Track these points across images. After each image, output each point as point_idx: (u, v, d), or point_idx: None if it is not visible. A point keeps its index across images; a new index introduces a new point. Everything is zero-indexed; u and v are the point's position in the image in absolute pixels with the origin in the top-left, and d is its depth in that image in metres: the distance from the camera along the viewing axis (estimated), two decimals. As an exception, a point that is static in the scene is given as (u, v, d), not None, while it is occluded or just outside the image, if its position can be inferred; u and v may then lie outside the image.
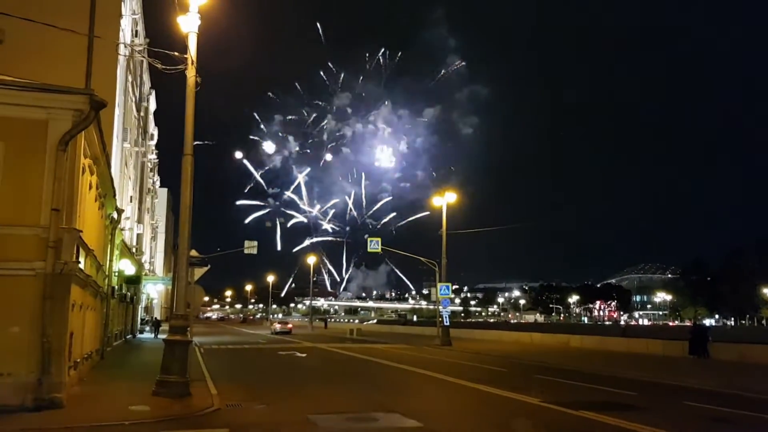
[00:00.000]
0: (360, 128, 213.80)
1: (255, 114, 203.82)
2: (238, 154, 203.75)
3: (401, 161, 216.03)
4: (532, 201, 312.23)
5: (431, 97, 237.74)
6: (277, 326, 59.70)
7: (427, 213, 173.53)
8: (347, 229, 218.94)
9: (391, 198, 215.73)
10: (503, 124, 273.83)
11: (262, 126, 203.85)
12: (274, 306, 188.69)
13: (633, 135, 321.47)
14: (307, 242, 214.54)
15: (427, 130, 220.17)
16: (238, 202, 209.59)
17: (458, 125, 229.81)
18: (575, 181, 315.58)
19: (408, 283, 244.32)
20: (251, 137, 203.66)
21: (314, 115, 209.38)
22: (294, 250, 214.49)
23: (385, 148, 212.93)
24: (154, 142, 53.12)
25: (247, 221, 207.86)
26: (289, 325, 61.66)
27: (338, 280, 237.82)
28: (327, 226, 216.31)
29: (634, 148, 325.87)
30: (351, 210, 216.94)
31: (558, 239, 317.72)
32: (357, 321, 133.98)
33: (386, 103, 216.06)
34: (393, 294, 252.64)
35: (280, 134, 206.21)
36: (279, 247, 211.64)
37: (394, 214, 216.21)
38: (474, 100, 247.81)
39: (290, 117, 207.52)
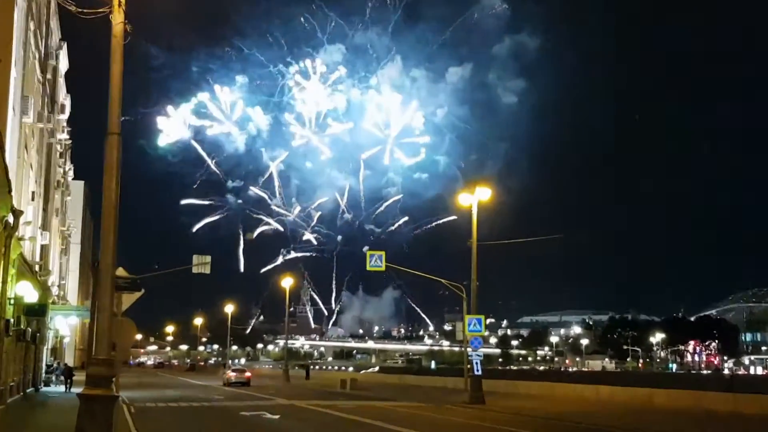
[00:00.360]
0: (357, 96, 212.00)
1: (208, 77, 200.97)
2: (182, 133, 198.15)
3: (416, 143, 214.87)
4: (598, 201, 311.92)
5: (458, 52, 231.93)
6: (231, 375, 62.81)
7: (452, 218, 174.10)
8: (339, 239, 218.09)
9: (400, 196, 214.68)
10: (560, 92, 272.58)
11: (217, 93, 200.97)
12: (235, 347, 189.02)
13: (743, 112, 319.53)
14: (280, 259, 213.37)
15: (452, 98, 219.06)
16: (184, 202, 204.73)
17: (496, 92, 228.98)
18: (658, 174, 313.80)
19: (423, 315, 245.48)
20: (203, 110, 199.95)
21: (292, 76, 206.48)
22: (263, 270, 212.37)
23: (392, 124, 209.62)
24: (66, 116, 53.18)
25: (195, 229, 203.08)
26: (247, 374, 64.36)
27: (325, 311, 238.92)
28: (310, 235, 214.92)
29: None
30: (344, 212, 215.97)
31: (634, 254, 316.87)
32: (351, 368, 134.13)
33: (394, 59, 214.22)
34: (402, 330, 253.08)
35: (245, 105, 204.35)
36: (242, 266, 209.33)
37: (404, 218, 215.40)
38: (519, 55, 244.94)
39: (259, 82, 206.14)
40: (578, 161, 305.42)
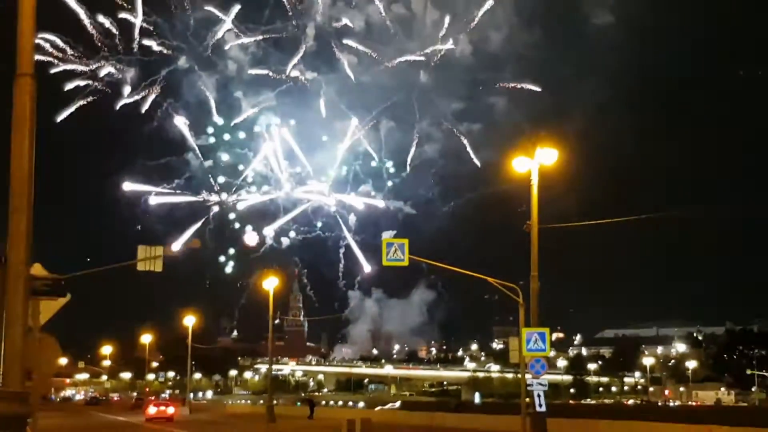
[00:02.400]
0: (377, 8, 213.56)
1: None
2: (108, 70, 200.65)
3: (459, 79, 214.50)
4: (708, 174, 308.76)
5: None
6: (151, 410, 75.89)
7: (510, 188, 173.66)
8: (351, 218, 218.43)
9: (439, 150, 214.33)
10: (660, 24, 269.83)
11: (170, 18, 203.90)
12: (198, 375, 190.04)
13: None
14: (268, 242, 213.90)
15: (517, 17, 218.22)
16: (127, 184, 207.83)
17: (580, 15, 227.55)
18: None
19: (463, 328, 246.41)
20: (154, 43, 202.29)
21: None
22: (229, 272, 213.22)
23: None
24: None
25: (141, 206, 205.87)
26: (171, 410, 76.71)
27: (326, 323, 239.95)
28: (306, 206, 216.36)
29: None
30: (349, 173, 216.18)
31: (763, 244, 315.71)
32: (362, 404, 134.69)
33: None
34: (434, 350, 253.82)
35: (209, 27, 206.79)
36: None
37: (433, 190, 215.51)
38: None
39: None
40: (682, 124, 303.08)
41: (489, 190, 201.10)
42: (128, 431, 62.08)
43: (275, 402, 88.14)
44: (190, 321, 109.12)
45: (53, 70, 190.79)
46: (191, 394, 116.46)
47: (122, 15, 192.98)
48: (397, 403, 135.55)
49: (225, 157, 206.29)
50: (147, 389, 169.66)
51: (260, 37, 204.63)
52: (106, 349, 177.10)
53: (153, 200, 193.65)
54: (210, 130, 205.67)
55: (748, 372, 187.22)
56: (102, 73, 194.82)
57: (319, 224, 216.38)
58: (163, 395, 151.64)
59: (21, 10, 14.15)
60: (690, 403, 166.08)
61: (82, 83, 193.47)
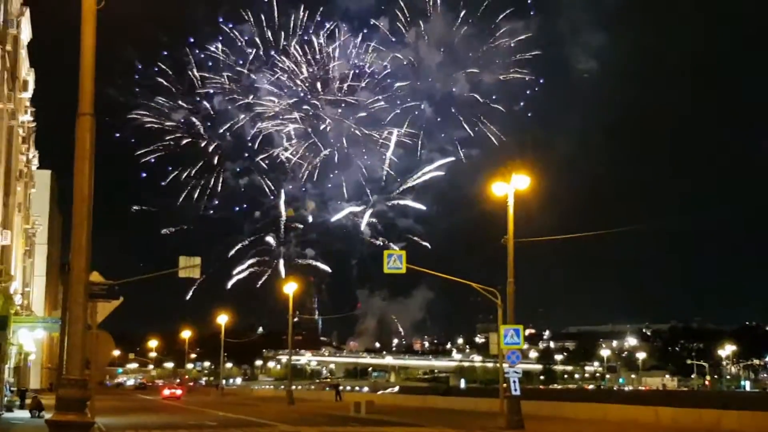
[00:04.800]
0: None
1: (191, 38, 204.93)
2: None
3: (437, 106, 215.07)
4: (663, 191, 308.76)
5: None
6: (166, 392, 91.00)
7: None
8: (363, 227, 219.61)
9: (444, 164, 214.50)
10: (636, 59, 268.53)
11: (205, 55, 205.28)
12: (230, 365, 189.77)
13: None
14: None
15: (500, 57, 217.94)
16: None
17: (566, 57, 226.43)
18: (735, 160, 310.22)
19: (452, 324, 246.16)
20: (190, 74, 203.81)
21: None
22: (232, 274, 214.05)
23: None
24: (29, 94, 53.46)
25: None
26: (179, 392, 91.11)
27: (338, 319, 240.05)
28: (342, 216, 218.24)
29: None
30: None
31: (702, 253, 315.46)
32: (367, 388, 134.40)
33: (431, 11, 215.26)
34: (426, 344, 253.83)
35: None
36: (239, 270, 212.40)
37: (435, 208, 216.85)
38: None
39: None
40: (645, 143, 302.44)
41: (478, 209, 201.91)
42: (153, 405, 67.26)
43: (295, 387, 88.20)
44: (223, 319, 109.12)
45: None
46: (223, 381, 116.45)
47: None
48: (396, 388, 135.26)
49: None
50: (186, 376, 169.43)
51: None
52: (152, 343, 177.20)
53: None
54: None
55: (688, 362, 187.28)
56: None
57: (339, 234, 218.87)
58: (238, 381, 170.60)
59: (82, 54, 14.11)
60: (640, 388, 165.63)
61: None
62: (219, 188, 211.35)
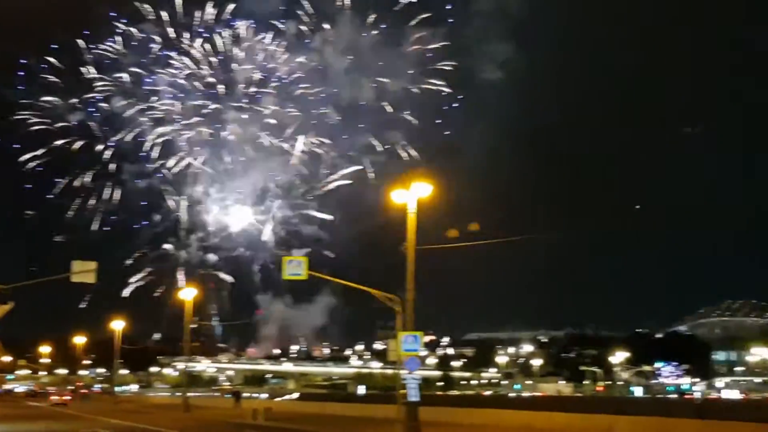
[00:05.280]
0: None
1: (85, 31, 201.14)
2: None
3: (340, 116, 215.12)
4: (562, 202, 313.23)
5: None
6: (54, 398, 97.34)
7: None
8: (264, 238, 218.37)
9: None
10: (543, 69, 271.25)
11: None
12: (125, 371, 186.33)
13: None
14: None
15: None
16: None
17: (475, 66, 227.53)
18: (629, 173, 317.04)
19: (352, 331, 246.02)
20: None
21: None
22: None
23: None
24: None
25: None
26: (67, 398, 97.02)
27: (238, 326, 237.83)
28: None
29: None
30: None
31: (597, 262, 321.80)
32: (266, 395, 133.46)
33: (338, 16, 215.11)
34: (326, 350, 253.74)
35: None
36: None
37: (340, 215, 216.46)
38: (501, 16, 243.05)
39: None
40: (544, 156, 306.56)
41: (383, 217, 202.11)
42: (43, 412, 68.42)
43: (192, 394, 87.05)
44: (118, 325, 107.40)
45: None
46: (118, 388, 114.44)
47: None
48: (295, 395, 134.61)
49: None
50: (79, 383, 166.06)
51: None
52: (45, 349, 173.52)
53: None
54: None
55: (582, 368, 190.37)
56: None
57: (241, 240, 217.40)
58: (134, 388, 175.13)
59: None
60: (535, 394, 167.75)
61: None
62: (117, 194, 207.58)
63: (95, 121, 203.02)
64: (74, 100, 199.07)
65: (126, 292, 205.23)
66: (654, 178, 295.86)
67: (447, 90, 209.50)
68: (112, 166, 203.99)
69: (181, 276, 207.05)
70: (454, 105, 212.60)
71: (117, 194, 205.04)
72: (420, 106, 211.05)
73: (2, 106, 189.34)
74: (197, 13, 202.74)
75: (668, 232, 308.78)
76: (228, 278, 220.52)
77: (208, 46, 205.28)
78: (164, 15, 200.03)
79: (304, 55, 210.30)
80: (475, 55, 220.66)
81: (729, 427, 32.85)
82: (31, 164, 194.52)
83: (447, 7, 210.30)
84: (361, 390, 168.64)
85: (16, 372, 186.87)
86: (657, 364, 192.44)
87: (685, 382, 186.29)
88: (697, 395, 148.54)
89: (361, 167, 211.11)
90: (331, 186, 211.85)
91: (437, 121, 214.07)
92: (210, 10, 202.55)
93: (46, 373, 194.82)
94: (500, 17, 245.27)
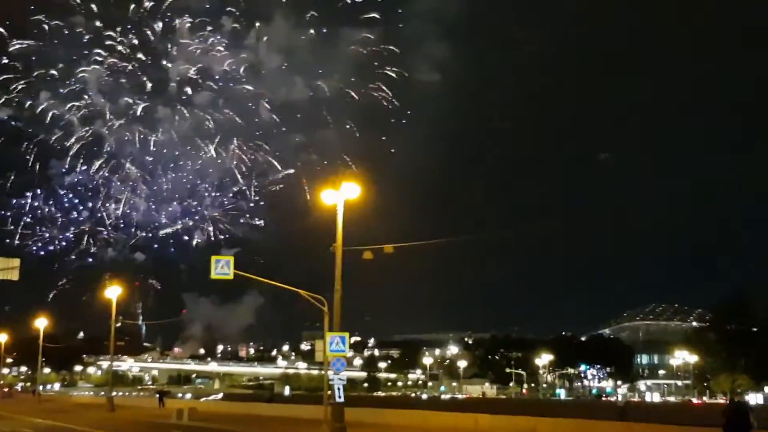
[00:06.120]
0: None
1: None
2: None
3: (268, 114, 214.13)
4: (490, 200, 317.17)
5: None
6: None
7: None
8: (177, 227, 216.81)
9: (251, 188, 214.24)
10: (478, 71, 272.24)
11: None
12: (48, 370, 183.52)
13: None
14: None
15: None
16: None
17: (410, 67, 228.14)
18: (558, 172, 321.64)
19: (279, 332, 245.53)
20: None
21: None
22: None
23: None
24: None
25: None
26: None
27: (164, 325, 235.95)
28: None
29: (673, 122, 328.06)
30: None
31: (522, 267, 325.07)
32: (190, 395, 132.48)
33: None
34: (252, 350, 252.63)
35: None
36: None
37: (269, 215, 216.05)
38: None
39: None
40: (475, 156, 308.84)
41: (312, 217, 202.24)
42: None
43: (116, 394, 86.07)
44: (41, 323, 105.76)
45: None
46: (40, 386, 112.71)
47: None
48: (220, 395, 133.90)
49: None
50: (2, 382, 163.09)
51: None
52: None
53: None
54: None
55: (507, 370, 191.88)
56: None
57: (169, 239, 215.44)
58: (56, 387, 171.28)
59: None
60: (460, 395, 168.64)
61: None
62: (42, 189, 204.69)
63: (19, 118, 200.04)
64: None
65: (51, 295, 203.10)
66: (582, 179, 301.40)
67: (385, 92, 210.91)
68: (37, 162, 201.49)
69: (106, 273, 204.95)
70: (390, 108, 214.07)
71: (42, 189, 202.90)
72: (355, 108, 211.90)
73: None
74: (131, 7, 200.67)
75: (593, 234, 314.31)
76: (154, 277, 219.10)
77: (138, 42, 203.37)
78: (94, 8, 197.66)
79: (239, 52, 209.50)
80: (412, 55, 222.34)
81: (650, 429, 33.51)
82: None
83: (383, 9, 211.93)
84: (287, 390, 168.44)
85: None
86: (581, 367, 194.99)
87: (609, 385, 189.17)
88: (619, 398, 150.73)
89: (292, 169, 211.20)
90: (262, 185, 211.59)
91: (372, 124, 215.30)
92: (147, 4, 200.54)
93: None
94: (436, 18, 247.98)
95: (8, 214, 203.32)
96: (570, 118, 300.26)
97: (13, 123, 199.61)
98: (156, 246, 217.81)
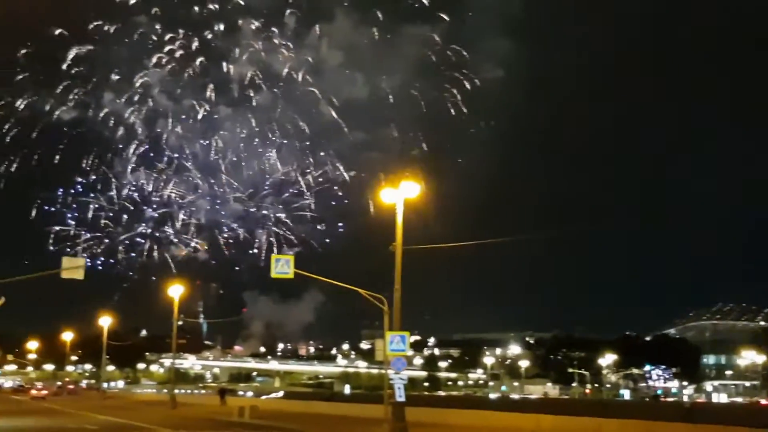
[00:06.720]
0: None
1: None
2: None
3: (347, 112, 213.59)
4: (553, 198, 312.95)
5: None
6: (33, 392, 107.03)
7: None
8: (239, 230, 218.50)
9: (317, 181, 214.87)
10: (541, 66, 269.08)
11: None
12: (112, 368, 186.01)
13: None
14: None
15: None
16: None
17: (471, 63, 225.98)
18: (620, 166, 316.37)
19: (338, 330, 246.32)
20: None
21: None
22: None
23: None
24: None
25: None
26: (44, 392, 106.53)
27: (225, 323, 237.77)
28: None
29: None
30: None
31: (585, 264, 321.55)
32: (251, 393, 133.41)
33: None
34: (312, 349, 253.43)
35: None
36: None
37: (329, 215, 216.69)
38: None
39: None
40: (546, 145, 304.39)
41: (372, 216, 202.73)
42: (31, 408, 69.24)
43: (178, 391, 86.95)
44: (105, 321, 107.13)
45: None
46: (105, 384, 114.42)
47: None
48: (281, 393, 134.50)
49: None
50: (67, 379, 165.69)
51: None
52: (32, 344, 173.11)
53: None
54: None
55: (570, 370, 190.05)
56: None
57: (232, 241, 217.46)
58: (120, 384, 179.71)
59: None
60: (519, 396, 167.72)
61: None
62: (106, 191, 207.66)
63: (83, 122, 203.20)
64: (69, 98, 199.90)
65: (114, 290, 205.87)
66: (653, 178, 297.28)
67: (447, 90, 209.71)
68: (102, 167, 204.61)
69: (169, 272, 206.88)
70: (453, 105, 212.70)
71: (110, 188, 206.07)
72: (417, 106, 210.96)
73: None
74: (193, 9, 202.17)
75: (661, 234, 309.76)
76: (214, 272, 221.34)
77: (199, 43, 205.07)
78: (155, 11, 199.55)
79: (301, 51, 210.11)
80: (474, 50, 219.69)
81: (717, 431, 32.90)
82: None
83: (446, 6, 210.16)
84: (347, 389, 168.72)
85: (5, 367, 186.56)
86: (646, 368, 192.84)
87: (674, 385, 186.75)
88: (686, 398, 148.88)
89: (353, 170, 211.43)
90: (322, 183, 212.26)
91: (434, 122, 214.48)
92: (209, 6, 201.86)
93: (32, 368, 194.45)
94: (499, 15, 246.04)
95: (72, 215, 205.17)
96: (642, 115, 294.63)
97: (76, 127, 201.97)
98: (218, 245, 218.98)
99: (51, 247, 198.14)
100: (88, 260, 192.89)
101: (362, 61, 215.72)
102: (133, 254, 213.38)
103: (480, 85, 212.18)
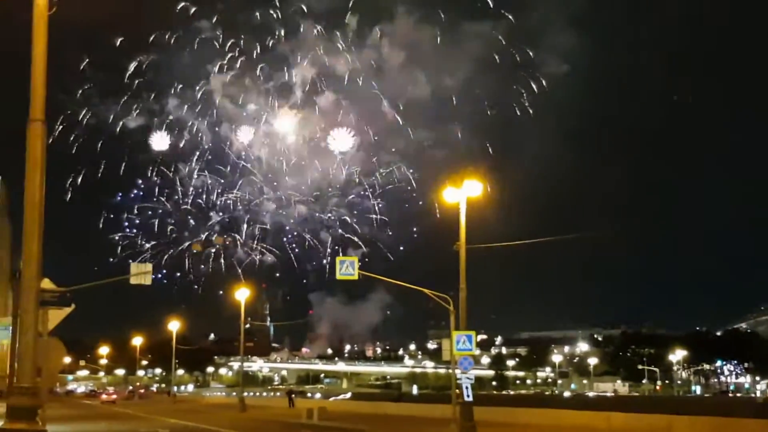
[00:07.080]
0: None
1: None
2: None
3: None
4: (612, 199, 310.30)
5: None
6: (104, 396, 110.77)
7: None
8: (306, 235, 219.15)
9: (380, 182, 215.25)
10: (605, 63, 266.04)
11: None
12: (181, 371, 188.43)
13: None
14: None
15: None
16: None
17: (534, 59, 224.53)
18: (686, 161, 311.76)
19: (405, 330, 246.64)
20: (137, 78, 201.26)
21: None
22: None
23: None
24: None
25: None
26: (114, 396, 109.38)
27: (291, 326, 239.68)
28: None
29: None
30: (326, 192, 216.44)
31: (654, 258, 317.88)
32: (319, 395, 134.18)
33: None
34: (378, 350, 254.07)
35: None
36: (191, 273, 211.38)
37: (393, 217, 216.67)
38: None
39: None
40: (598, 149, 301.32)
41: (437, 215, 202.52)
42: (101, 412, 68.32)
43: (247, 394, 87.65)
44: (174, 325, 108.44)
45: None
46: (175, 388, 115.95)
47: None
48: (348, 394, 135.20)
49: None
50: (138, 384, 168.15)
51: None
52: (104, 350, 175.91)
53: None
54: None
55: (639, 367, 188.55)
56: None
57: (296, 243, 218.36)
58: (190, 388, 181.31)
59: (34, 60, 14.01)
60: (588, 393, 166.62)
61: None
62: (172, 196, 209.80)
63: (147, 129, 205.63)
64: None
65: (182, 295, 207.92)
66: (714, 177, 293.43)
67: (512, 87, 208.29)
68: (168, 172, 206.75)
69: (239, 272, 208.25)
70: (518, 103, 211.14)
71: (175, 191, 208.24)
72: (480, 103, 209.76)
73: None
74: (255, 13, 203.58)
75: (728, 231, 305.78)
76: (282, 280, 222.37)
77: (260, 47, 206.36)
78: (216, 17, 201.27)
79: (362, 52, 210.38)
80: (537, 47, 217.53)
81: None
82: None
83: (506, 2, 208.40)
84: (415, 390, 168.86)
85: (77, 372, 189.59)
86: (717, 363, 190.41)
87: (746, 381, 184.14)
88: (758, 393, 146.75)
89: (416, 169, 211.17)
90: (386, 183, 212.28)
91: (498, 120, 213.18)
92: (270, 10, 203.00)
93: (104, 373, 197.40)
94: (563, 10, 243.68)
95: (139, 223, 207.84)
96: (708, 113, 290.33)
97: (140, 134, 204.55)
98: (284, 248, 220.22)
99: (116, 256, 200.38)
100: (160, 272, 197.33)
101: (424, 61, 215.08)
102: (202, 259, 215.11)
103: (544, 84, 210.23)
